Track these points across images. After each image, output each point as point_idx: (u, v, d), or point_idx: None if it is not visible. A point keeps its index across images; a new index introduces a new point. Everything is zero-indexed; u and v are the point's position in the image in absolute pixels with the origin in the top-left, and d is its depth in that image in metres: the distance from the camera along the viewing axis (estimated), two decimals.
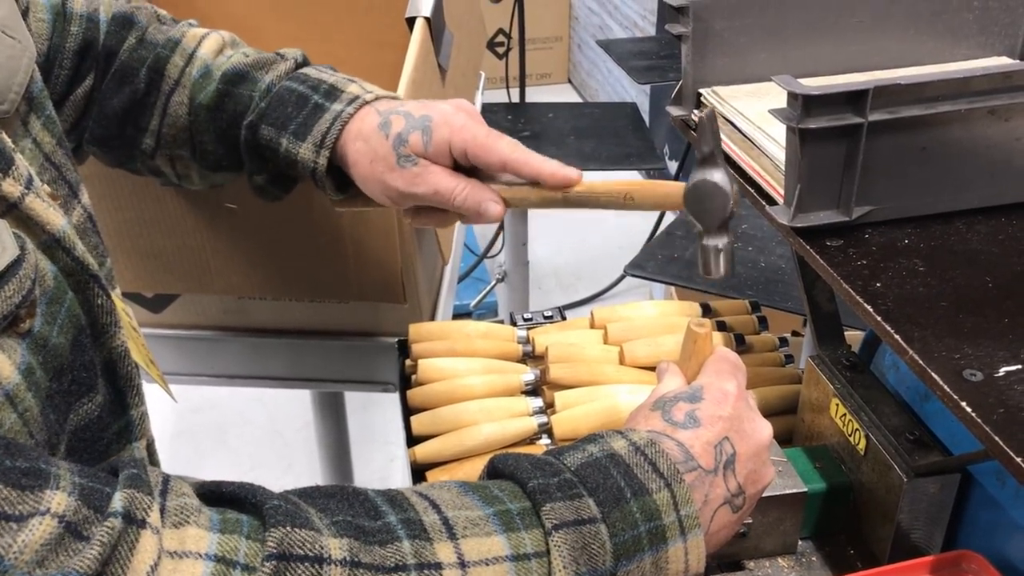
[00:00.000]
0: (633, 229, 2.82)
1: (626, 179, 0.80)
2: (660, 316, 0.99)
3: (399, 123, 0.74)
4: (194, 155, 0.81)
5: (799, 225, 0.77)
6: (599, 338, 0.97)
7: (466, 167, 0.75)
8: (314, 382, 1.21)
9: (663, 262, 1.44)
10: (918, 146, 0.77)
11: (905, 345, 0.66)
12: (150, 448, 0.64)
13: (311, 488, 0.54)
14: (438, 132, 0.73)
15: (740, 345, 0.97)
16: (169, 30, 0.82)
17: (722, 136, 0.91)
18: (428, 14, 1.02)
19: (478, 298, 2.45)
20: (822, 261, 0.76)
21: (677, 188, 0.75)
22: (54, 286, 0.53)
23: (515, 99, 2.59)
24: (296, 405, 2.24)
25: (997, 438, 0.58)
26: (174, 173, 0.84)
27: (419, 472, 0.85)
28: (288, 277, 1.03)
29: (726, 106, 0.91)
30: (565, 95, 4.06)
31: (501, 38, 3.76)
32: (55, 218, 0.54)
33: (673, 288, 1.96)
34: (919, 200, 0.79)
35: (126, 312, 0.67)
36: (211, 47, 0.81)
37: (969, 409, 0.60)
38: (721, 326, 0.98)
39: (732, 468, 0.62)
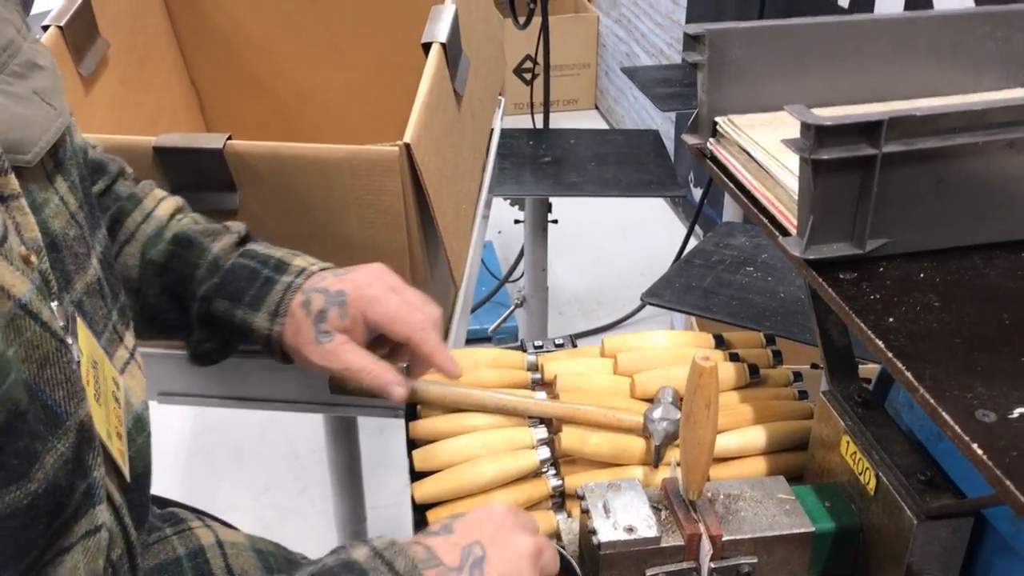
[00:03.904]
0: (657, 255, 2.80)
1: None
2: (672, 347, 0.97)
3: (318, 300, 0.81)
4: (134, 304, 0.86)
5: (812, 257, 0.76)
6: (609, 367, 0.96)
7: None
8: (325, 406, 1.20)
9: (681, 291, 1.42)
10: (934, 178, 0.75)
11: (916, 383, 0.64)
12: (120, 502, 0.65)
13: None
14: (353, 307, 0.80)
15: (754, 377, 0.95)
16: (133, 187, 0.89)
17: (737, 165, 0.90)
18: (444, 40, 1.02)
19: (496, 323, 2.44)
20: (834, 294, 0.74)
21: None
22: None
23: (541, 124, 2.59)
24: (313, 427, 2.23)
25: (1008, 482, 0.55)
26: None
27: (421, 510, 0.84)
28: None
29: (742, 135, 0.90)
30: (592, 121, 4.06)
31: (529, 64, 3.77)
32: (20, 283, 0.54)
33: (694, 318, 1.94)
34: (935, 233, 0.78)
35: (114, 380, 0.67)
36: (167, 209, 0.88)
37: (980, 451, 0.58)
38: (734, 358, 0.96)
39: (481, 568, 0.66)
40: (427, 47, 1.02)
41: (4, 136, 0.60)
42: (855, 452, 0.76)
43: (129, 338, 0.75)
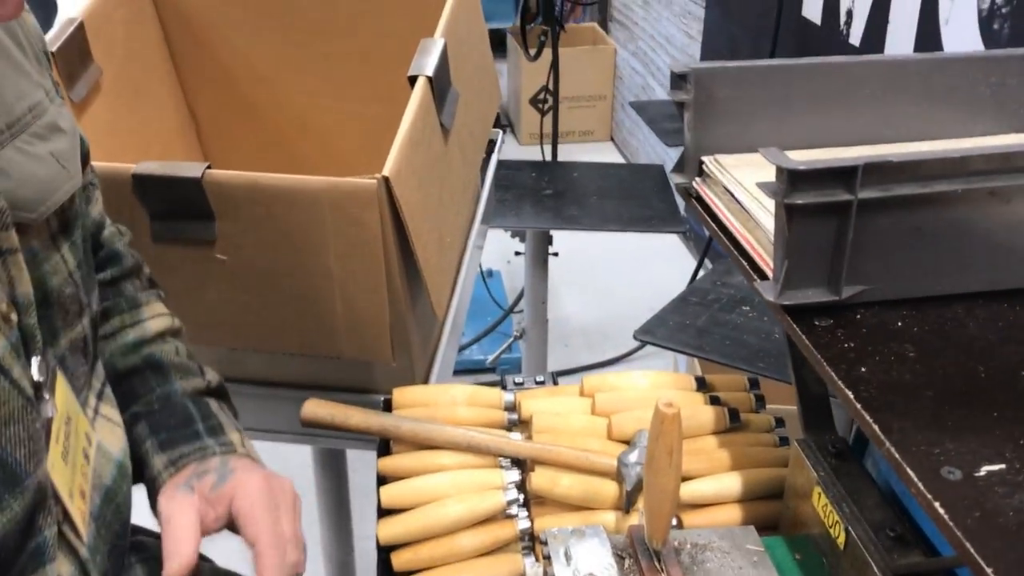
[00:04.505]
0: (666, 289, 2.77)
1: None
2: (651, 388, 0.96)
3: (211, 464, 0.75)
4: None
5: (786, 303, 0.74)
6: (587, 407, 0.94)
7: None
8: (312, 437, 1.20)
9: (674, 329, 1.40)
10: (913, 226, 0.74)
11: (882, 436, 0.62)
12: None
13: None
14: (229, 485, 0.73)
15: (734, 422, 0.93)
16: (139, 289, 0.86)
17: (720, 205, 0.89)
18: (431, 73, 1.02)
19: (495, 355, 2.43)
20: (807, 341, 0.72)
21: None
22: None
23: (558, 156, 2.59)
24: (307, 454, 2.22)
25: (968, 544, 0.54)
26: None
27: (386, 550, 0.82)
28: (279, 331, 1.02)
29: (726, 175, 0.89)
30: (607, 153, 4.06)
31: (544, 95, 3.79)
32: None
33: (696, 358, 1.91)
34: (914, 282, 0.76)
35: (87, 436, 0.67)
36: (158, 326, 0.85)
37: (942, 510, 0.56)
38: (715, 401, 0.94)
39: None
40: (413, 80, 1.01)
41: (13, 193, 0.62)
42: (826, 504, 0.74)
43: (106, 393, 0.76)
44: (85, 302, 0.71)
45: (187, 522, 0.70)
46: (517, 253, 2.11)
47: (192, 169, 0.91)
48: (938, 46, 1.72)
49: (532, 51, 2.51)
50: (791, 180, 0.70)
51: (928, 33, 1.73)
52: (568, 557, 0.71)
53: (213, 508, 0.73)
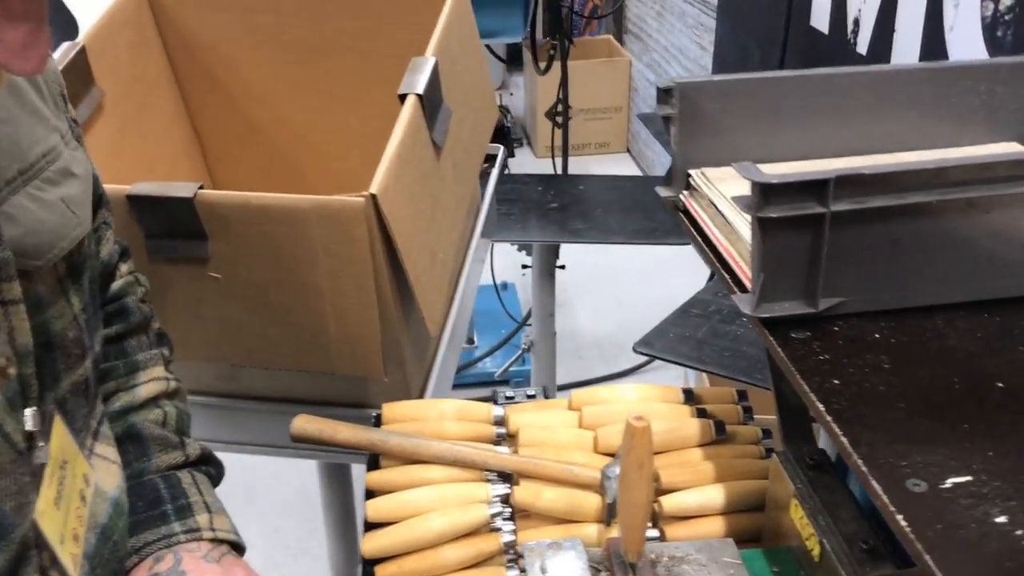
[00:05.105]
0: (682, 299, 2.78)
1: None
2: (639, 401, 0.96)
3: (165, 564, 0.74)
4: None
5: (763, 315, 0.75)
6: (575, 421, 0.95)
7: None
8: (307, 451, 1.21)
9: (674, 341, 1.40)
10: (889, 238, 0.74)
11: (851, 448, 0.62)
12: None
13: None
14: None
15: (720, 434, 0.93)
16: (141, 350, 0.84)
17: (705, 219, 0.90)
18: (421, 91, 1.03)
19: (503, 367, 2.43)
20: (782, 354, 0.72)
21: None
22: None
23: (569, 168, 2.61)
24: (314, 468, 2.25)
25: (928, 556, 0.54)
26: None
27: (371, 563, 0.83)
28: (273, 347, 1.04)
29: (712, 188, 0.89)
30: (623, 165, 4.07)
31: (559, 108, 3.80)
32: None
33: (704, 372, 1.91)
34: (892, 293, 0.76)
35: (84, 477, 0.68)
36: (149, 391, 0.83)
37: (904, 523, 0.56)
38: (702, 413, 0.95)
39: None
40: (404, 98, 1.03)
41: (20, 241, 0.62)
42: (803, 516, 0.74)
43: (102, 431, 0.76)
44: (88, 344, 0.71)
45: None
46: (524, 267, 2.12)
47: (184, 189, 0.93)
48: (943, 53, 1.71)
49: (542, 65, 2.53)
50: (763, 193, 0.70)
51: (934, 40, 1.73)
52: (543, 570, 0.72)
53: None
